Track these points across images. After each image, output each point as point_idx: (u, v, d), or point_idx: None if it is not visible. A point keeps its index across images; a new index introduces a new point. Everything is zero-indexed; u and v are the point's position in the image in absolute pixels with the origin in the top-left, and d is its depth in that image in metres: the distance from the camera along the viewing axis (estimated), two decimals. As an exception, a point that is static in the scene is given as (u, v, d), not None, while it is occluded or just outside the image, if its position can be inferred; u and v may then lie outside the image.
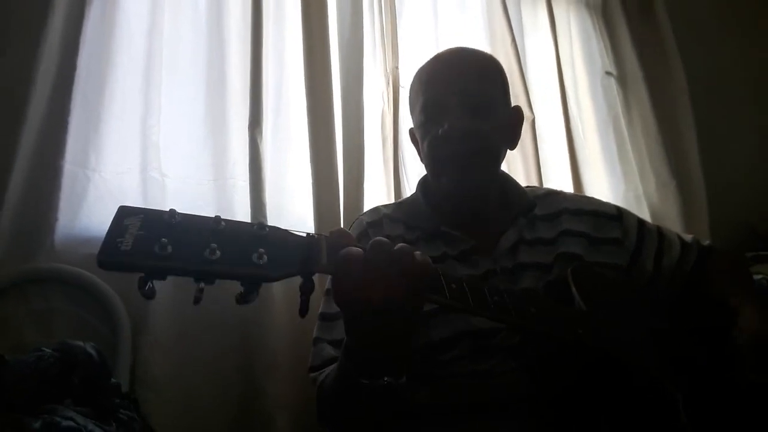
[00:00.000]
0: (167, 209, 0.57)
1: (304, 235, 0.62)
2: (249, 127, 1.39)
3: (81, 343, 0.83)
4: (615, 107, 2.01)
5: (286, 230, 0.61)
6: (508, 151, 1.09)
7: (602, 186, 1.90)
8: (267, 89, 1.47)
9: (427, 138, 1.00)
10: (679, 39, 2.13)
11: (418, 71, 1.07)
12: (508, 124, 1.05)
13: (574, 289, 0.86)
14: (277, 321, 1.28)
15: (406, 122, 1.64)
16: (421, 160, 1.09)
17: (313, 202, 1.42)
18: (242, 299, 0.57)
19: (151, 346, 1.19)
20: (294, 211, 1.44)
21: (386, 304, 0.61)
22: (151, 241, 0.53)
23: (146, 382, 1.16)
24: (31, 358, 0.78)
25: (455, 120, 0.95)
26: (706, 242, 1.12)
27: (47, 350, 0.81)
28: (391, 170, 1.58)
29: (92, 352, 0.82)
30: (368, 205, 1.47)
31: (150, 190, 1.31)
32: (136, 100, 1.38)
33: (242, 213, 1.36)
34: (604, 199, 1.82)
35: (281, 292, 1.30)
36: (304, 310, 0.61)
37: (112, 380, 0.87)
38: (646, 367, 0.82)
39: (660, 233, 1.10)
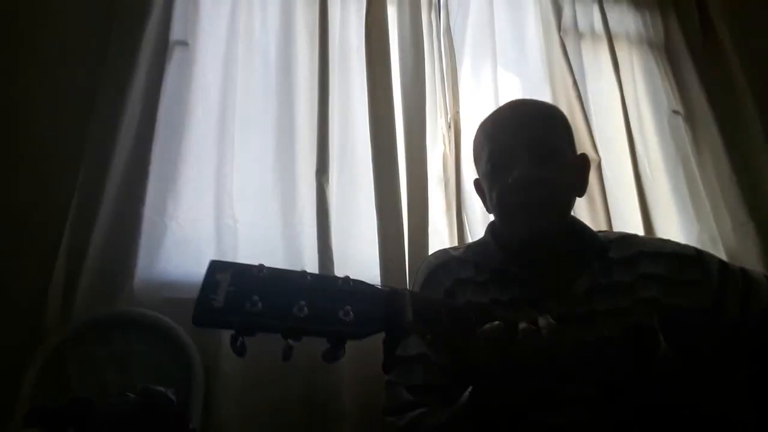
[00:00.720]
0: (254, 263, 0.59)
1: (387, 289, 0.64)
2: (316, 174, 1.44)
3: (162, 389, 0.86)
4: (684, 146, 1.93)
5: (370, 285, 0.62)
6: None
7: (675, 227, 1.82)
8: (333, 137, 1.52)
9: (496, 187, 1.01)
10: (748, 74, 2.05)
11: (482, 123, 1.09)
12: (576, 172, 1.05)
13: (661, 337, 0.83)
14: (347, 367, 1.27)
15: (468, 166, 1.66)
16: (488, 209, 1.10)
17: (379, 247, 1.42)
18: (330, 357, 0.58)
19: (223, 392, 1.20)
20: (360, 255, 1.45)
21: (526, 390, 0.68)
22: (242, 298, 0.55)
23: (218, 428, 1.17)
24: (116, 402, 0.80)
25: (524, 168, 0.96)
26: None
27: (131, 395, 0.83)
28: (453, 214, 1.58)
29: (173, 398, 0.84)
30: (433, 249, 1.47)
31: (223, 236, 1.36)
32: (210, 150, 1.45)
33: (309, 257, 1.39)
34: (678, 241, 1.78)
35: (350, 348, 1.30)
36: (389, 366, 0.63)
37: (190, 426, 0.89)
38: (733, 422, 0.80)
39: (745, 274, 1.04)
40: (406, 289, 0.66)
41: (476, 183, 1.14)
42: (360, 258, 1.44)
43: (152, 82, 1.46)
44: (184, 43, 1.54)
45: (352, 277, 0.63)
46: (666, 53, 2.10)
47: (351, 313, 0.57)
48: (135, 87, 1.43)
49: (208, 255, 1.33)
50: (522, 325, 0.68)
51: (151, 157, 1.39)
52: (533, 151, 0.97)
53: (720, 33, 2.13)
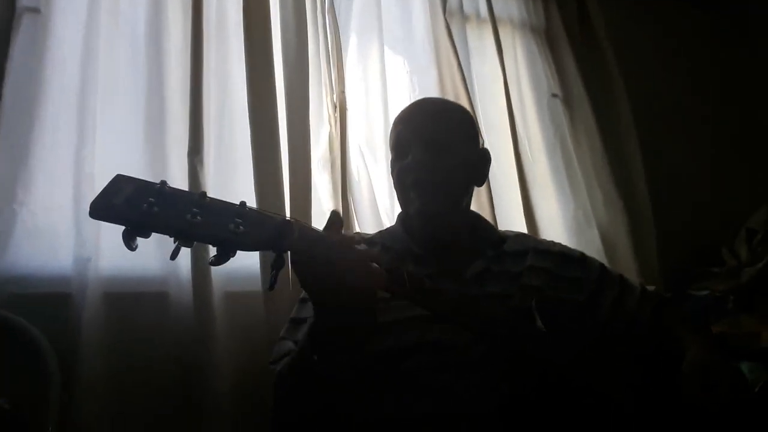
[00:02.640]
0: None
1: (280, 217, 0.70)
2: (188, 155, 1.35)
3: (-6, 399, 0.76)
4: (562, 128, 2.04)
5: (264, 212, 0.69)
6: None
7: (552, 205, 1.92)
8: (209, 115, 1.43)
9: (394, 171, 1.13)
10: (620, 61, 2.19)
11: (394, 118, 1.19)
12: (470, 162, 1.14)
13: (536, 317, 0.95)
14: (217, 361, 1.22)
15: (354, 146, 1.64)
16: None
17: (259, 231, 1.37)
18: (215, 262, 0.65)
19: (84, 394, 1.12)
20: (238, 240, 1.38)
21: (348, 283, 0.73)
22: (141, 201, 0.59)
23: (78, 428, 1.09)
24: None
25: (416, 154, 1.08)
26: (668, 294, 1.24)
27: (-46, 408, 0.74)
28: (339, 195, 1.56)
29: (7, 407, 0.75)
30: (316, 231, 1.44)
31: (84, 223, 1.23)
32: (69, 130, 1.31)
33: (183, 244, 1.31)
34: (554, 219, 1.89)
35: (225, 335, 1.26)
36: (272, 284, 0.70)
37: (32, 436, 0.80)
38: (595, 384, 0.93)
39: (622, 280, 1.19)
40: (299, 220, 0.73)
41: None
42: (239, 243, 1.38)
43: (-4, 53, 1.30)
44: (35, 10, 1.36)
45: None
46: (546, 38, 2.19)
47: (241, 227, 0.63)
48: (-26, 58, 1.26)
49: (66, 245, 1.22)
50: (360, 246, 0.76)
51: (-5, 137, 1.23)
52: (427, 142, 1.08)
53: (595, 21, 2.26)
